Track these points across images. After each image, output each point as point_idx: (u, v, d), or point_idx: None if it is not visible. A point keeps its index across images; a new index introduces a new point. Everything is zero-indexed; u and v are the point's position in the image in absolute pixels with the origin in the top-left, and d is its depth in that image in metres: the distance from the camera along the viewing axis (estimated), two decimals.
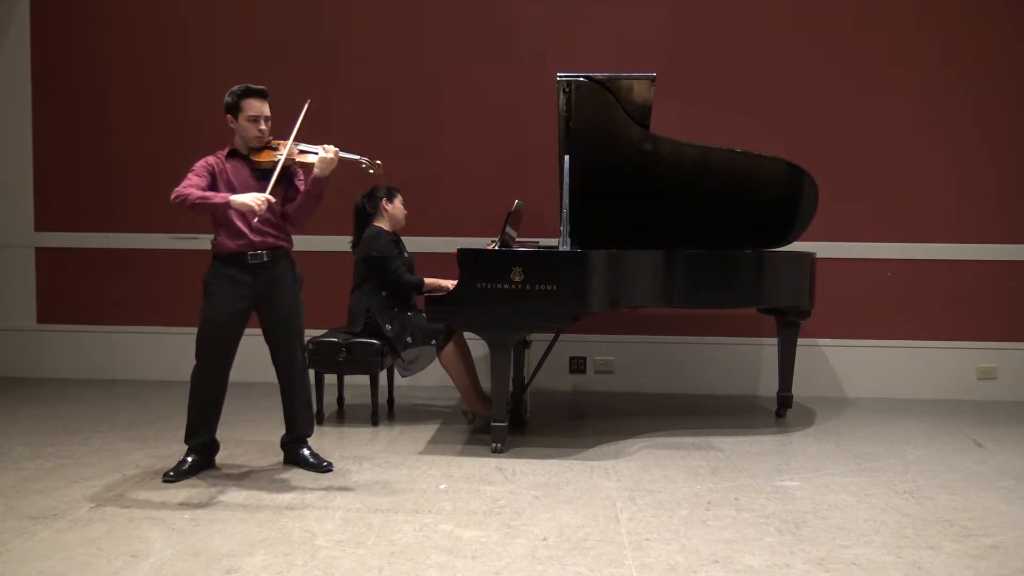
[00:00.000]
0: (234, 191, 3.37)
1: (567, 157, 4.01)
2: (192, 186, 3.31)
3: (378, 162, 3.55)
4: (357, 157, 3.52)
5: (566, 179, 3.97)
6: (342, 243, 5.24)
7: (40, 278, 5.66)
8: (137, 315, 5.59)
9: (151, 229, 5.52)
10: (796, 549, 2.75)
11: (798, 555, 2.70)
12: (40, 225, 5.64)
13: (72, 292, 5.64)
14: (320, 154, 3.40)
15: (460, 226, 5.28)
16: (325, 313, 4.86)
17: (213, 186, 3.38)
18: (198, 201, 3.27)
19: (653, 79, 4.02)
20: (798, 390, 4.79)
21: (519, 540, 2.79)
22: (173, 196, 3.29)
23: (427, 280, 4.43)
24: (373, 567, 2.56)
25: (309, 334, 4.33)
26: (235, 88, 3.44)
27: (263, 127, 3.43)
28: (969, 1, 5.26)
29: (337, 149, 3.43)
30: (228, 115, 3.45)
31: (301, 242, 5.03)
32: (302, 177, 3.59)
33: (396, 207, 4.53)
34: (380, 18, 5.45)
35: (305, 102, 3.45)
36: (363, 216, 4.55)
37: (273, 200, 3.30)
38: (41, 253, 5.66)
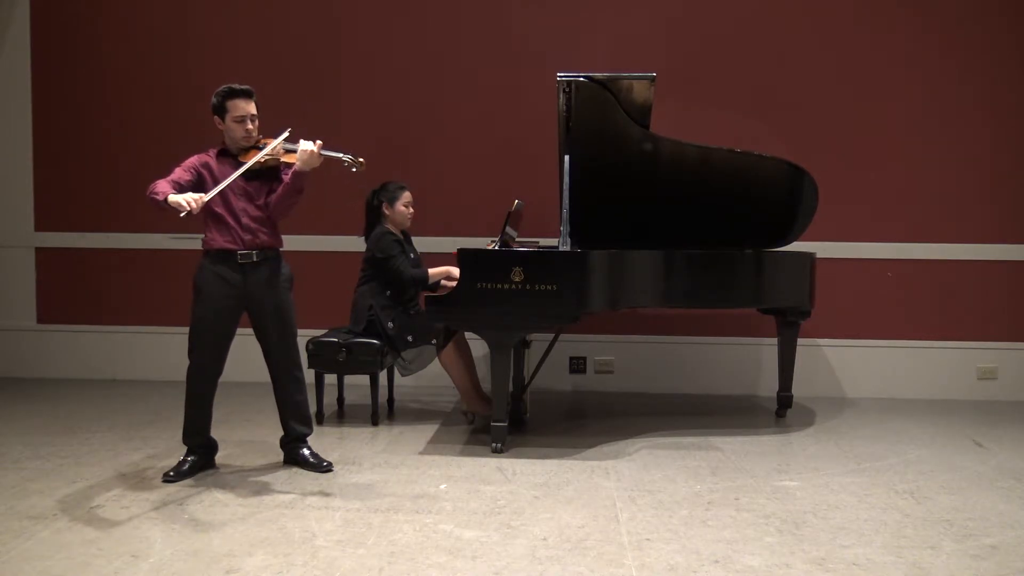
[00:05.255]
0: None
1: (567, 157, 4.01)
2: (168, 181, 3.26)
3: (361, 160, 3.47)
4: (340, 155, 3.46)
5: (566, 179, 3.97)
6: (343, 243, 5.26)
7: (40, 278, 5.66)
8: (137, 315, 5.59)
9: (151, 229, 5.51)
10: (796, 549, 2.75)
11: (798, 555, 2.70)
12: (40, 225, 5.64)
13: (72, 292, 5.63)
14: (302, 146, 3.37)
15: (460, 226, 5.27)
16: (325, 313, 4.86)
17: (200, 182, 3.36)
18: (150, 196, 3.22)
19: (653, 79, 4.02)
20: (798, 390, 4.79)
21: (519, 540, 2.79)
22: (147, 191, 3.24)
23: (431, 271, 4.37)
24: (373, 567, 2.56)
25: (310, 334, 4.34)
26: (219, 89, 3.43)
27: (250, 126, 3.42)
28: (969, 1, 5.26)
29: (321, 143, 3.37)
30: (215, 117, 3.44)
31: (302, 242, 5.07)
32: (288, 174, 3.58)
33: (397, 210, 4.45)
34: (380, 18, 5.45)
35: (285, 131, 3.43)
36: (372, 211, 4.52)
37: (206, 200, 3.20)
38: (41, 253, 5.65)
